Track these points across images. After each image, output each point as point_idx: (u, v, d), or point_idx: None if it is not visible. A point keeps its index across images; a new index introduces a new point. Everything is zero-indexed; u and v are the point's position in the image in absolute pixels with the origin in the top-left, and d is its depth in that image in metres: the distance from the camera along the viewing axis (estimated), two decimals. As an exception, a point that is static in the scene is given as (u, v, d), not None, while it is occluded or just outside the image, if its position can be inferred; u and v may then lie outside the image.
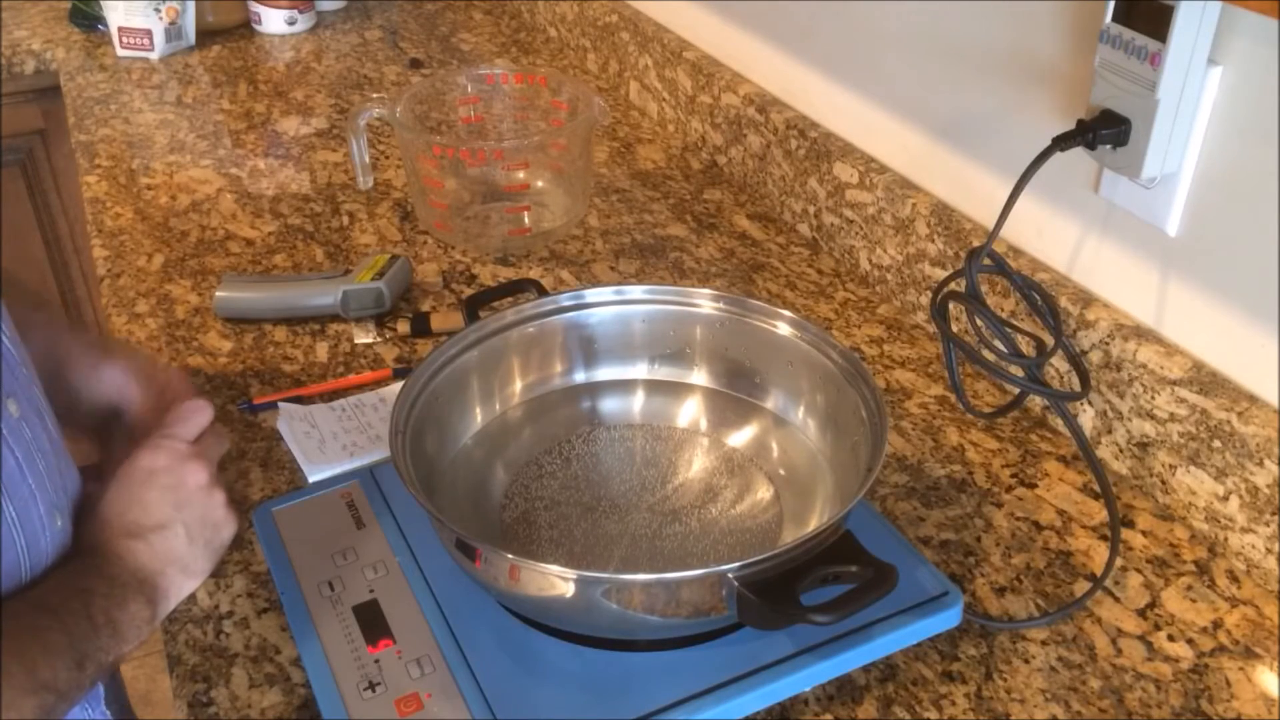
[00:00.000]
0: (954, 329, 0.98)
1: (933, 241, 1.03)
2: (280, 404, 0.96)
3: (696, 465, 0.85)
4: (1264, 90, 0.74)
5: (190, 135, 1.45)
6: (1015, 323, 0.93)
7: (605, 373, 0.91)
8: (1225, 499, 0.80)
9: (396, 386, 0.98)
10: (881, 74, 1.10)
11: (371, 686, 0.69)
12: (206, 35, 1.74)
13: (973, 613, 0.77)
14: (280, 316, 1.08)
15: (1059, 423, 0.93)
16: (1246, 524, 0.79)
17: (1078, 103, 0.87)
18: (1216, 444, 0.80)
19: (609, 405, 0.90)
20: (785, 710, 0.71)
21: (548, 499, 0.81)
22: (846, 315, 1.09)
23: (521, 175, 1.26)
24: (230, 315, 1.07)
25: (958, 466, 0.90)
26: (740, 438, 0.86)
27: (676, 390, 0.90)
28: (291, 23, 1.76)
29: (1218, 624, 0.77)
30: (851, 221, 1.14)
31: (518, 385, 0.89)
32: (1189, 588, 0.80)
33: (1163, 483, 0.85)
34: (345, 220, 1.26)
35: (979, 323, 0.92)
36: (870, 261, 1.13)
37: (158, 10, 1.64)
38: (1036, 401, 0.95)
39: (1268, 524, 0.78)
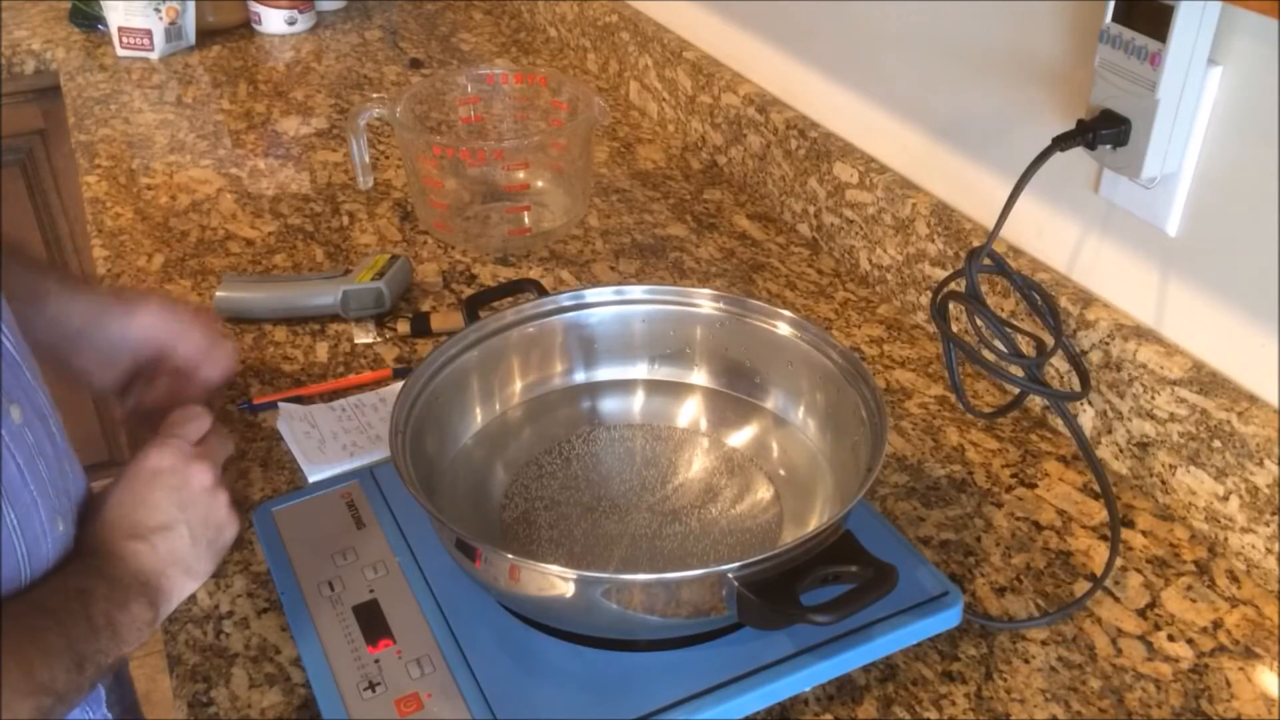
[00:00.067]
0: (954, 329, 0.98)
1: (933, 241, 1.03)
2: (280, 404, 0.96)
3: (696, 465, 0.85)
4: (1264, 90, 0.74)
5: (190, 135, 1.45)
6: (1015, 323, 0.93)
7: (605, 373, 0.91)
8: (1225, 499, 0.80)
9: (396, 386, 0.98)
10: (881, 74, 1.10)
11: (371, 686, 0.69)
12: (206, 35, 1.74)
13: (973, 613, 0.77)
14: (280, 316, 1.08)
15: (1059, 423, 0.93)
16: (1246, 524, 0.79)
17: (1078, 103, 0.87)
18: (1216, 444, 0.80)
19: (609, 405, 0.90)
20: (785, 710, 0.71)
21: (548, 499, 0.81)
22: (846, 315, 1.09)
23: (521, 175, 1.26)
24: (230, 315, 1.07)
25: (958, 466, 0.90)
26: (740, 438, 0.86)
27: (676, 390, 0.90)
28: (291, 23, 1.76)
29: (1218, 624, 0.77)
30: (851, 221, 1.14)
31: (518, 385, 0.89)
32: (1189, 588, 0.80)
33: (1163, 483, 0.85)
34: (345, 220, 1.26)
35: (979, 323, 0.92)
36: (870, 261, 1.13)
37: (158, 10, 1.64)
38: (1036, 401, 0.95)
39: (1268, 524, 0.78)
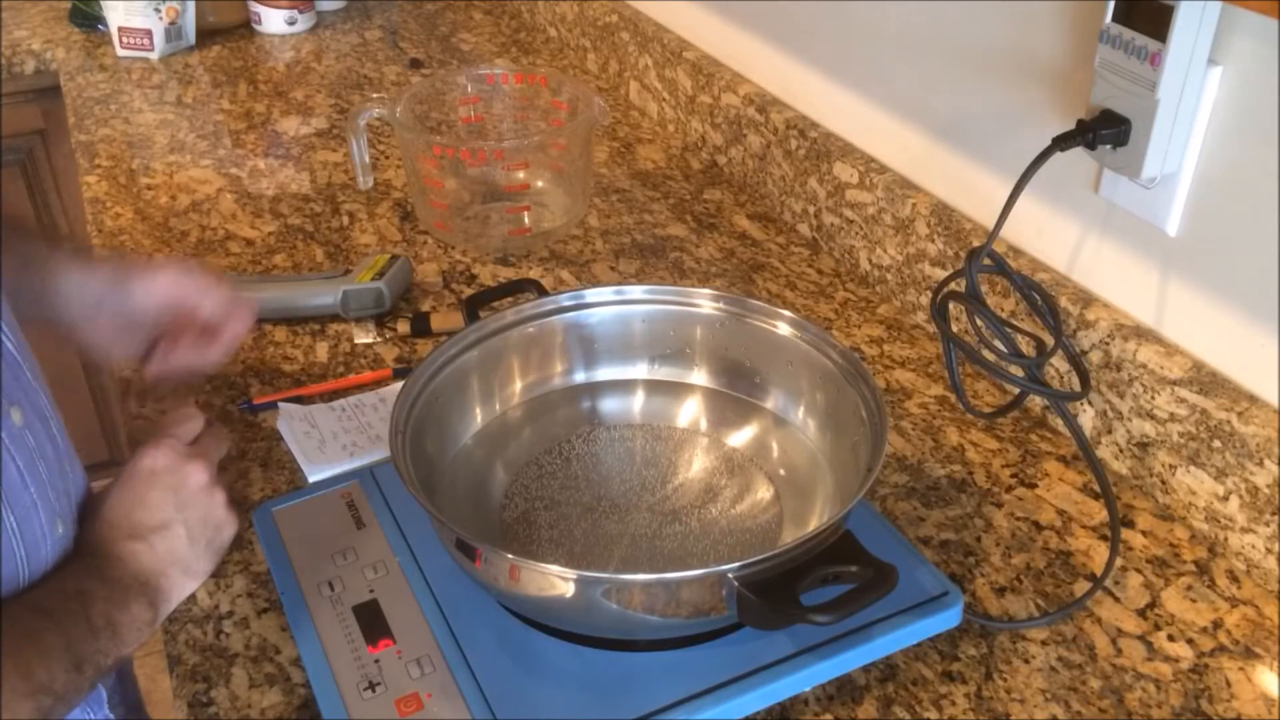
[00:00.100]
0: (954, 329, 0.98)
1: (933, 241, 1.03)
2: (280, 404, 0.96)
3: (696, 465, 0.85)
4: (1264, 90, 0.74)
5: (190, 135, 1.45)
6: (1015, 323, 0.93)
7: (605, 373, 0.91)
8: (1225, 499, 0.80)
9: (396, 386, 0.98)
10: (881, 74, 1.10)
11: (371, 686, 0.69)
12: (206, 35, 1.74)
13: (973, 613, 0.77)
14: (280, 316, 1.08)
15: (1059, 423, 0.93)
16: (1246, 524, 0.79)
17: (1078, 103, 0.87)
18: (1216, 444, 0.80)
19: (609, 405, 0.90)
20: (785, 710, 0.71)
21: (548, 499, 0.81)
22: (846, 315, 1.09)
23: (521, 175, 1.26)
24: (230, 315, 1.07)
25: (958, 466, 0.90)
26: (740, 438, 0.86)
27: (676, 390, 0.90)
28: (291, 23, 1.76)
29: (1218, 624, 0.77)
30: (851, 221, 1.14)
31: (518, 385, 0.89)
32: (1189, 588, 0.80)
33: (1163, 483, 0.85)
34: (345, 220, 1.26)
35: (979, 323, 0.92)
36: (870, 261, 1.13)
37: (158, 10, 1.64)
38: (1036, 401, 0.95)
39: (1268, 524, 0.78)
